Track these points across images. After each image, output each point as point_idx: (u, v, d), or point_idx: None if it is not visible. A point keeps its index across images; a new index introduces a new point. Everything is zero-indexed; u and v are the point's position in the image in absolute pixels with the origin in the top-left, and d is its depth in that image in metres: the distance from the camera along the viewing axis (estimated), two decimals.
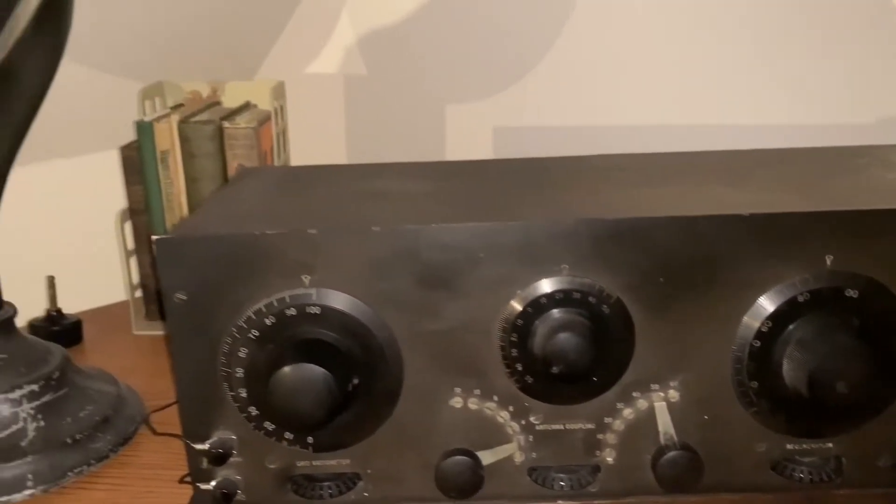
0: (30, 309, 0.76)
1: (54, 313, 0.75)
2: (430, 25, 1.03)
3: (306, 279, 0.47)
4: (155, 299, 0.79)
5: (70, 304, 0.78)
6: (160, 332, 0.78)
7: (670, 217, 0.47)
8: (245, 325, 0.47)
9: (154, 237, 0.46)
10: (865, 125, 0.92)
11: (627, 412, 0.49)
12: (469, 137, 1.08)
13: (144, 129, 0.74)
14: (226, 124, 0.75)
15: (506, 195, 0.54)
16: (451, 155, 1.10)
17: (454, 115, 1.09)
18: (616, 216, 0.47)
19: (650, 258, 0.47)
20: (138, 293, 0.80)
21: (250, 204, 0.54)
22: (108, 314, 0.83)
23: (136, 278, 0.80)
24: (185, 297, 0.47)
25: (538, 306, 0.47)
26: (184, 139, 0.74)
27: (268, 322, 0.47)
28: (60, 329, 0.74)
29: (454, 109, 1.09)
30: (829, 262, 0.47)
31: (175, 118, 0.74)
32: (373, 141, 1.11)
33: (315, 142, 1.07)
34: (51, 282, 0.75)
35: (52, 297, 0.75)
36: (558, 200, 0.52)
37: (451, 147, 1.10)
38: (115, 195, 0.81)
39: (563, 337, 0.46)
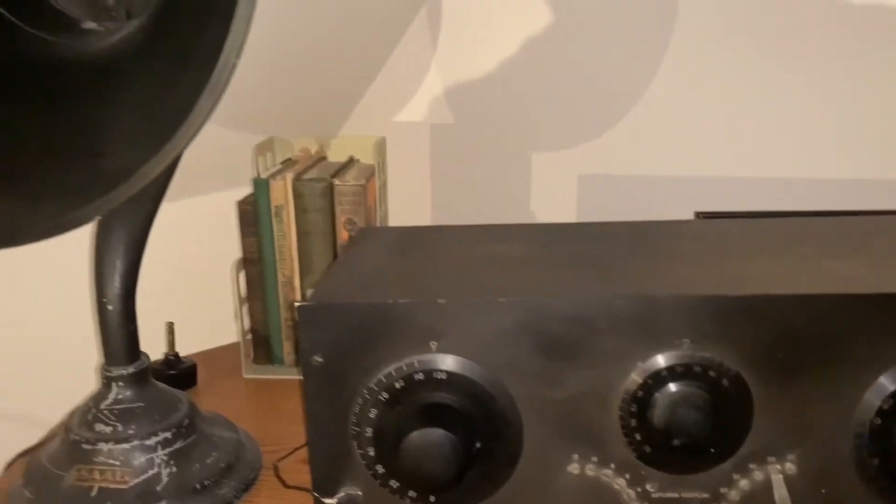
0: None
1: (172, 357, 0.79)
2: (518, 74, 1.06)
3: (434, 345, 0.50)
4: (263, 344, 0.83)
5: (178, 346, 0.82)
6: (268, 376, 0.82)
7: (791, 295, 0.48)
8: (376, 388, 0.50)
9: (296, 304, 0.49)
10: None
11: (744, 483, 0.50)
12: (554, 184, 1.09)
13: (261, 186, 0.79)
14: (336, 181, 0.79)
15: (621, 264, 0.55)
16: (535, 200, 1.11)
17: (539, 161, 1.11)
18: (736, 293, 0.48)
19: (770, 334, 0.48)
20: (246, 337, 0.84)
21: (376, 268, 0.57)
22: (215, 357, 0.87)
23: (246, 324, 0.84)
24: (321, 360, 0.50)
25: (658, 379, 0.48)
26: (297, 195, 0.79)
27: (397, 385, 0.50)
28: (177, 373, 0.78)
29: (539, 157, 1.11)
30: None
31: (290, 175, 0.79)
32: (458, 186, 1.14)
33: (403, 186, 1.10)
34: (170, 328, 0.79)
35: (171, 343, 0.79)
36: (675, 272, 0.53)
37: (535, 192, 1.12)
38: (231, 245, 0.85)
39: (684, 411, 0.47)
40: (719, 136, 0.99)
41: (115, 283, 0.59)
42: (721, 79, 0.97)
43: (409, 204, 1.14)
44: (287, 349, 0.83)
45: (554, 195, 1.10)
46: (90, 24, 0.59)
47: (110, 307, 0.59)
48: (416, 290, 0.51)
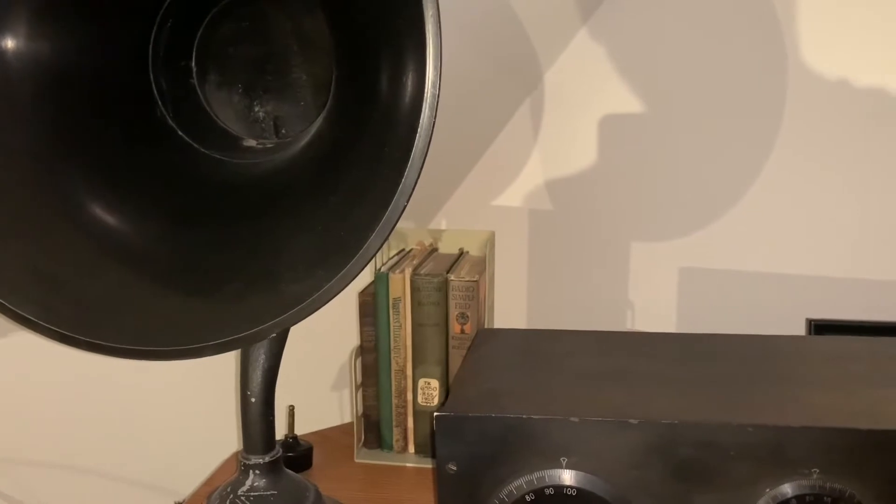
0: None
1: (291, 439, 0.83)
2: (619, 163, 1.07)
3: (564, 461, 0.52)
4: (374, 429, 0.87)
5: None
6: (378, 462, 0.85)
7: None
8: (506, 499, 0.52)
9: (436, 413, 0.53)
10: None
11: None
12: (653, 275, 1.10)
13: (381, 279, 0.83)
14: (451, 277, 0.83)
15: (747, 387, 0.56)
16: (634, 290, 1.12)
17: (639, 251, 1.11)
18: (870, 427, 0.49)
19: None
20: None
21: (505, 378, 0.60)
22: (328, 437, 0.91)
23: (359, 409, 0.87)
24: (455, 469, 0.53)
25: None
26: (414, 289, 0.83)
27: (527, 498, 0.52)
28: (295, 455, 0.82)
29: (639, 247, 1.12)
30: None
31: (408, 270, 0.83)
32: (555, 271, 1.16)
33: (501, 268, 1.12)
34: (290, 411, 0.84)
35: (291, 425, 0.84)
36: (805, 400, 0.54)
37: (634, 282, 1.12)
38: (348, 333, 0.90)
39: None
40: (832, 233, 0.97)
41: (258, 376, 0.64)
42: (836, 171, 0.95)
43: (507, 286, 1.16)
44: (396, 436, 0.86)
45: (653, 287, 1.10)
46: (250, 142, 0.66)
47: (253, 399, 0.64)
48: (548, 406, 0.54)
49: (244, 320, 0.46)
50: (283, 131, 0.68)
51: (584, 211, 1.12)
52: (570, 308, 1.16)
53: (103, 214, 0.53)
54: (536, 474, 0.52)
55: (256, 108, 0.68)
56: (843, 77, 0.95)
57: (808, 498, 0.49)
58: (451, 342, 0.84)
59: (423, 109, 0.42)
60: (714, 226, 1.05)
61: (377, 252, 0.44)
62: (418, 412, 0.85)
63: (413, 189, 0.43)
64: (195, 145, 0.60)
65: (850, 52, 0.93)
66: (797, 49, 0.95)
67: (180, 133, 0.60)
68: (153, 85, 0.60)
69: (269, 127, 0.69)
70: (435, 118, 0.42)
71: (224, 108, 0.67)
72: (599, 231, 1.12)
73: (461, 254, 0.93)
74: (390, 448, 0.86)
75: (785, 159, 0.98)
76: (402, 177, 0.43)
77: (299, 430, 0.87)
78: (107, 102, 0.56)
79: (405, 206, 0.43)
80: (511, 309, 1.17)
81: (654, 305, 1.10)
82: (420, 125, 0.41)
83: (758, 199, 1.01)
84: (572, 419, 0.51)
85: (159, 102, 0.60)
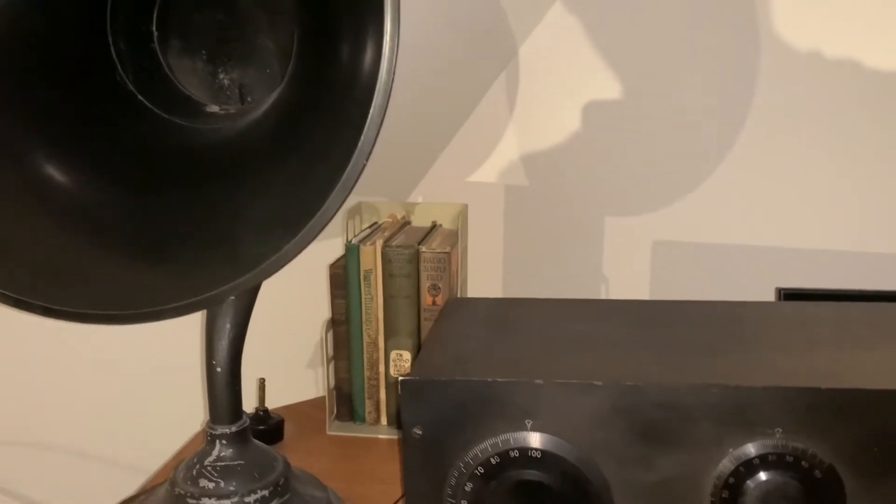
0: None
1: (262, 412, 0.83)
2: (593, 138, 1.08)
3: (529, 423, 0.52)
4: (346, 402, 0.86)
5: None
6: (350, 434, 0.85)
7: (888, 391, 0.48)
8: (471, 462, 0.52)
9: (401, 378, 0.52)
10: None
11: None
12: (627, 249, 1.11)
13: (352, 251, 0.83)
14: (422, 248, 0.83)
15: (714, 351, 0.57)
16: (608, 264, 1.12)
17: (613, 226, 1.12)
18: (831, 386, 0.49)
19: (865, 428, 0.49)
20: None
21: (472, 344, 0.59)
22: (299, 411, 0.91)
23: (331, 382, 0.87)
24: (420, 433, 0.53)
25: (750, 467, 0.49)
26: (385, 260, 0.82)
27: (493, 461, 0.52)
28: (266, 428, 0.82)
29: (613, 221, 1.12)
30: None
31: (379, 242, 0.83)
32: (531, 247, 1.16)
33: (477, 243, 1.12)
34: (261, 384, 0.83)
35: (262, 398, 0.83)
36: (769, 362, 0.54)
37: (608, 257, 1.13)
38: (321, 307, 0.89)
39: (776, 500, 0.48)
40: (802, 205, 0.97)
41: (224, 346, 0.63)
42: (806, 145, 0.96)
43: (482, 261, 1.16)
44: (369, 408, 0.86)
45: (627, 260, 1.11)
46: (213, 108, 0.64)
47: (218, 369, 0.63)
48: (513, 369, 0.53)
49: (203, 284, 0.45)
50: (249, 99, 0.67)
51: (559, 186, 1.12)
52: (546, 283, 1.16)
53: (59, 178, 0.52)
54: (501, 437, 0.52)
55: (221, 76, 0.67)
56: (815, 51, 0.95)
57: (770, 457, 0.49)
58: (423, 314, 0.84)
59: (381, 65, 0.41)
60: (687, 199, 1.06)
61: (336, 212, 0.43)
62: (390, 384, 0.85)
63: (372, 147, 0.42)
64: (155, 110, 0.59)
65: (821, 27, 0.94)
66: (770, 25, 0.95)
67: (140, 98, 0.59)
68: (112, 48, 0.59)
69: (234, 94, 0.68)
70: (394, 74, 0.41)
71: (187, 74, 0.65)
72: (574, 206, 1.12)
73: (433, 226, 0.93)
74: (362, 420, 0.86)
75: (756, 135, 0.99)
76: (360, 134, 0.42)
77: (271, 405, 0.87)
78: (63, 64, 0.55)
79: (364, 165, 0.43)
80: (486, 284, 1.17)
81: (628, 279, 1.10)
82: (378, 80, 0.41)
83: (730, 173, 1.02)
84: (537, 382, 0.51)
85: (118, 66, 0.59)
